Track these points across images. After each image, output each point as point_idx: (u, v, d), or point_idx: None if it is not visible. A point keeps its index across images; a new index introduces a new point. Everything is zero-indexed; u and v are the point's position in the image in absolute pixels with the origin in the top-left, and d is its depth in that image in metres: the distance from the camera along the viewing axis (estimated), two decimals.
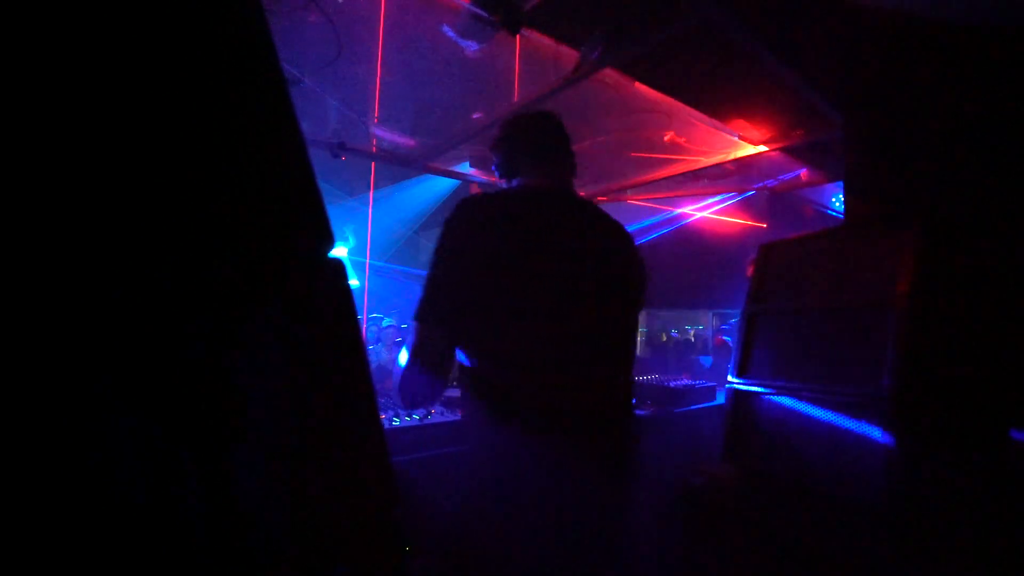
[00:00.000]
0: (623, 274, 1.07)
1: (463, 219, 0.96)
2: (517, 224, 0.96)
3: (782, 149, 2.27)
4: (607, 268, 1.03)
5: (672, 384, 2.34)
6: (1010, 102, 1.54)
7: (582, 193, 3.34)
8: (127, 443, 0.37)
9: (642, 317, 3.99)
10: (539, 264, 0.95)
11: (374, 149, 2.30)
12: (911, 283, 1.33)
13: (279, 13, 1.44)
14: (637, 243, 1.16)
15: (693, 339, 4.49)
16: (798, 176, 2.93)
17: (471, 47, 1.53)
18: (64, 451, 0.34)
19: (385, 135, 2.20)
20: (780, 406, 1.55)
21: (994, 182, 1.55)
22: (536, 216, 0.99)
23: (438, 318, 0.93)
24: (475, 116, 2.11)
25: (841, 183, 2.10)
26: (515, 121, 1.12)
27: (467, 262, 0.93)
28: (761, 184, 3.27)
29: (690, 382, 2.41)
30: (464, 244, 0.95)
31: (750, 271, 2.37)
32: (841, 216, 2.41)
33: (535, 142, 1.09)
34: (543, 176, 1.07)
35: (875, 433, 1.29)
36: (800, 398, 1.49)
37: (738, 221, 4.25)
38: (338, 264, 0.52)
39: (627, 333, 1.08)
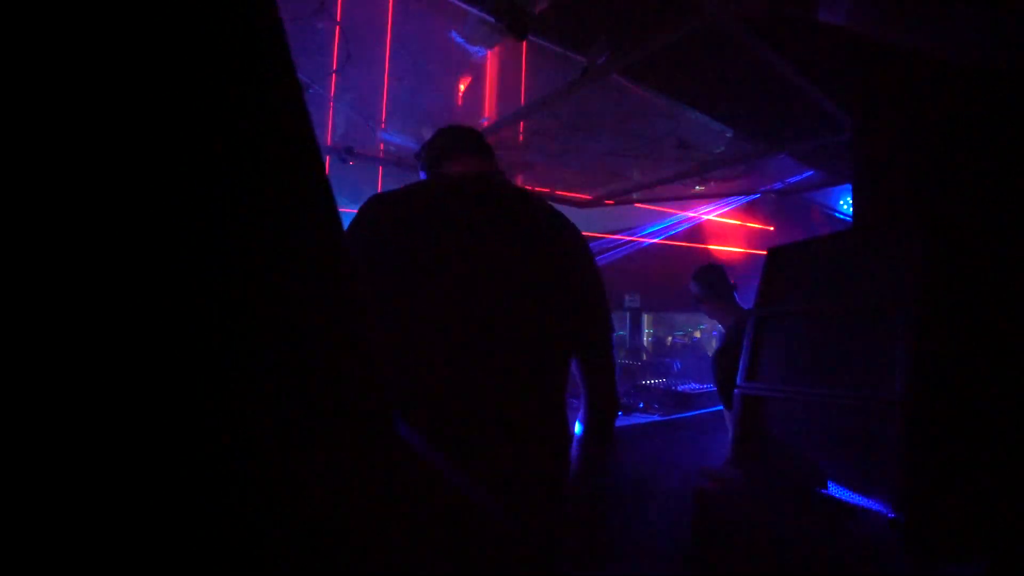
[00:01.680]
0: (546, 266, 0.95)
1: (361, 221, 0.91)
2: (416, 221, 0.89)
3: (790, 152, 2.26)
4: (520, 260, 0.92)
5: (680, 388, 2.33)
6: (1018, 104, 1.53)
7: (585, 195, 3.35)
8: (124, 442, 0.37)
9: (647, 320, 3.93)
10: (436, 261, 0.87)
11: (382, 154, 2.31)
12: (922, 286, 1.32)
13: (288, 19, 1.45)
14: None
15: (693, 339, 4.47)
16: (806, 178, 2.92)
17: (478, 52, 1.54)
18: (62, 449, 0.34)
19: (393, 140, 2.21)
20: (789, 410, 1.54)
21: (1003, 184, 1.54)
22: (440, 209, 0.91)
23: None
24: (483, 120, 2.12)
25: (848, 186, 2.09)
26: (442, 129, 1.08)
27: (365, 265, 0.88)
28: (768, 187, 3.26)
29: (697, 386, 2.40)
30: (361, 247, 0.89)
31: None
32: (849, 219, 2.40)
33: (452, 139, 1.05)
34: (462, 163, 1.01)
35: (887, 438, 1.28)
36: (810, 403, 1.48)
37: (746, 224, 4.23)
38: (351, 272, 0.52)
39: (548, 333, 0.95)
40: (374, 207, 0.92)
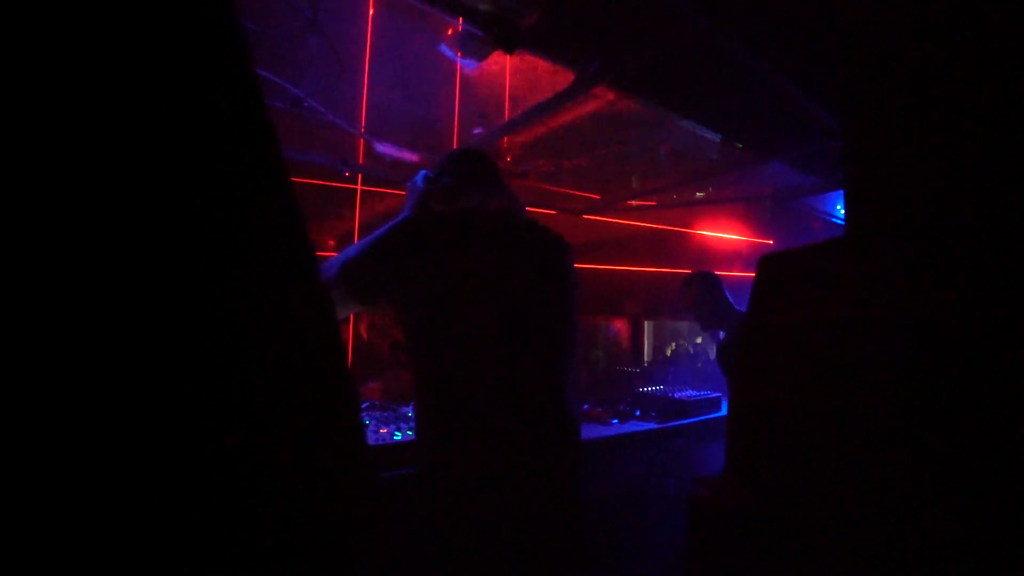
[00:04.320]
0: (564, 289, 1.15)
1: (422, 234, 1.03)
2: (468, 246, 1.04)
3: (781, 159, 2.27)
4: (551, 285, 1.12)
5: (676, 395, 2.33)
6: (1012, 107, 1.53)
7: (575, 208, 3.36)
8: (116, 441, 0.38)
9: (648, 328, 3.92)
10: (487, 285, 1.02)
11: (378, 165, 2.33)
12: (914, 293, 1.32)
13: (280, 36, 1.48)
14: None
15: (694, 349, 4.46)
16: (801, 184, 2.92)
17: (468, 65, 1.56)
18: (60, 447, 0.35)
19: (388, 151, 2.23)
20: (783, 418, 1.54)
21: (997, 187, 1.54)
22: (485, 238, 1.07)
23: (354, 290, 1.01)
24: (476, 131, 2.14)
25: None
26: (460, 154, 1.23)
27: (402, 282, 1.00)
28: (771, 192, 3.26)
29: (694, 393, 2.40)
30: (415, 257, 1.01)
31: (686, 300, 2.17)
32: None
33: (480, 173, 1.19)
34: (492, 199, 1.16)
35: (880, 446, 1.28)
36: (803, 410, 1.48)
37: (743, 229, 4.24)
38: (323, 288, 0.53)
39: (568, 347, 1.14)
40: (428, 229, 1.05)
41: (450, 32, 1.55)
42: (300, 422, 0.51)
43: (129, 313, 0.40)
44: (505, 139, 2.25)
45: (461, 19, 1.42)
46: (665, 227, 3.91)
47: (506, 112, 1.99)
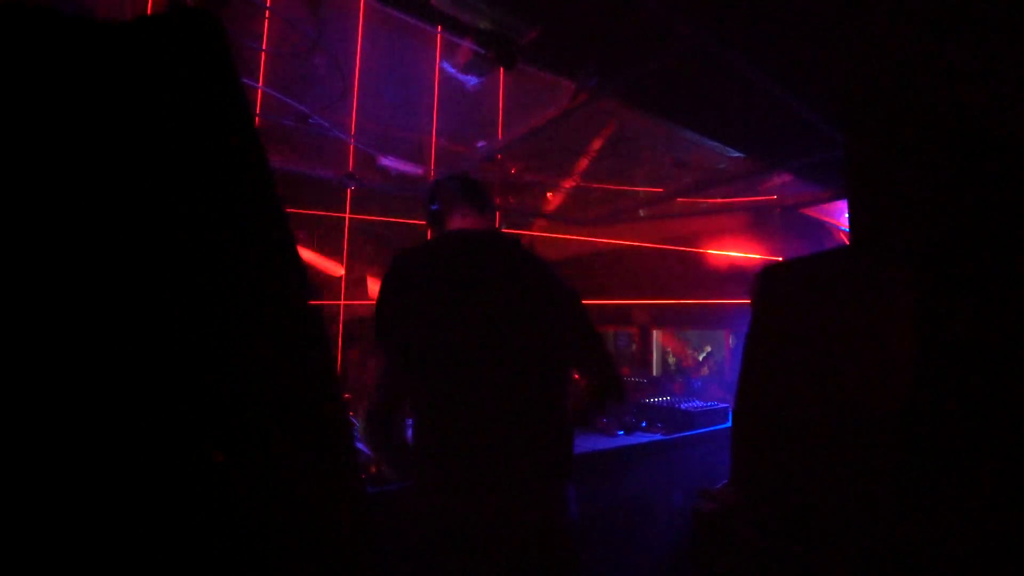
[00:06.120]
0: (549, 302, 1.14)
1: (394, 277, 1.07)
2: (443, 275, 1.06)
3: (785, 169, 2.27)
4: (532, 299, 1.11)
5: (683, 406, 2.32)
6: (1012, 115, 1.52)
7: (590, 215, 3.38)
8: (117, 442, 0.40)
9: (657, 338, 3.87)
10: (466, 311, 1.03)
11: (382, 179, 2.36)
12: (919, 300, 1.31)
13: (286, 55, 1.51)
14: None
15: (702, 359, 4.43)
16: (807, 193, 2.91)
17: (470, 81, 1.59)
18: (61, 445, 0.37)
19: (393, 164, 2.26)
20: (787, 430, 1.53)
21: (998, 195, 1.53)
22: (461, 263, 1.08)
23: (392, 345, 1.04)
24: (479, 145, 2.17)
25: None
26: (445, 180, 1.27)
27: (401, 318, 1.04)
28: (771, 201, 3.25)
29: (701, 404, 2.38)
30: (396, 301, 1.05)
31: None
32: None
33: (464, 196, 1.21)
34: (471, 220, 1.18)
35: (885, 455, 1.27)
36: (807, 422, 1.47)
37: (753, 238, 4.21)
38: (315, 309, 0.55)
39: (560, 359, 1.13)
40: (402, 264, 1.09)
41: (452, 49, 1.57)
42: (289, 433, 0.52)
43: (114, 325, 0.41)
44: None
45: (462, 37, 1.45)
46: (666, 247, 3.91)
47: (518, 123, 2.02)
